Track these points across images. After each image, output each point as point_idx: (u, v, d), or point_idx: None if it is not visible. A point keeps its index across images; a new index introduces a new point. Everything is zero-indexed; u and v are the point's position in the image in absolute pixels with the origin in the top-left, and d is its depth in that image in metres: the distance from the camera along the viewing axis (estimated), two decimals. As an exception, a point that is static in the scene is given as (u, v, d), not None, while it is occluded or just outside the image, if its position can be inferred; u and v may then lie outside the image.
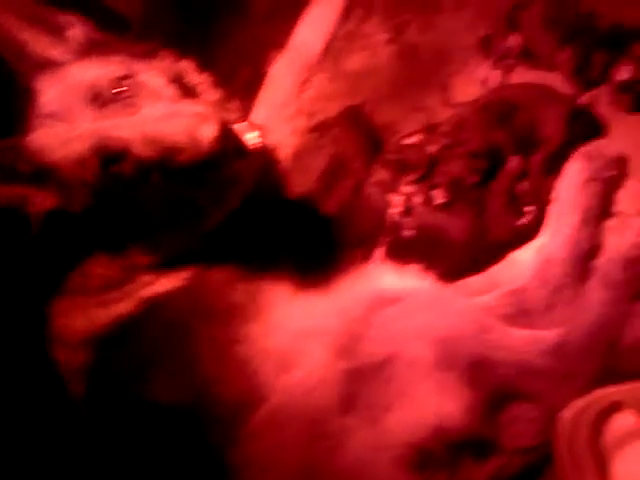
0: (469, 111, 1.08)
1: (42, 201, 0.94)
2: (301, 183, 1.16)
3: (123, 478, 0.96)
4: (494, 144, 1.03)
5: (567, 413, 0.82)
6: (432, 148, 1.08)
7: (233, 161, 0.94)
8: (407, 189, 1.07)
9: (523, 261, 1.02)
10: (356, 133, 1.15)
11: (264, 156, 1.06)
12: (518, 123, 1.02)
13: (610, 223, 0.96)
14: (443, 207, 1.05)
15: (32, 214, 0.96)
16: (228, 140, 0.92)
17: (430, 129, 1.11)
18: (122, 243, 0.98)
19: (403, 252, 1.04)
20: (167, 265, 0.99)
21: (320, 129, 1.23)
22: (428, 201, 1.07)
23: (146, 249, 0.97)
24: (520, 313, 0.95)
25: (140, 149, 0.90)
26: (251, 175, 1.01)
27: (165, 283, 0.98)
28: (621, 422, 0.84)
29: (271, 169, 1.10)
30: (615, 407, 0.83)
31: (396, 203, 1.06)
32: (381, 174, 1.10)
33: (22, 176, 0.94)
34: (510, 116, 1.04)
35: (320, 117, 1.24)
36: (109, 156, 0.91)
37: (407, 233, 1.05)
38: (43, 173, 0.94)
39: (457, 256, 1.04)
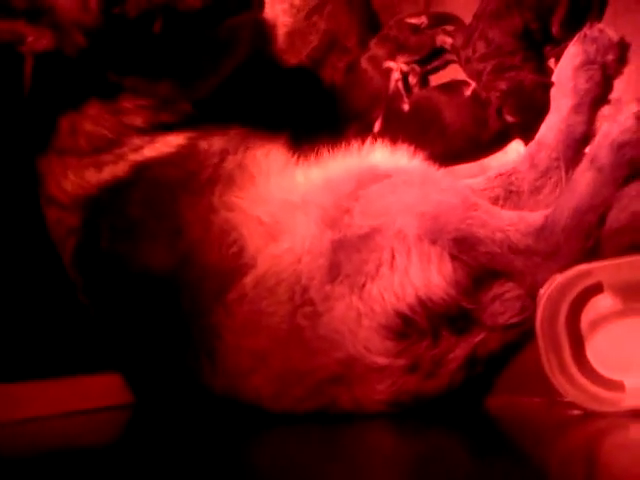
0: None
1: (36, 40, 0.91)
2: (294, 59, 1.14)
3: (108, 338, 0.99)
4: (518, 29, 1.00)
5: (547, 289, 0.83)
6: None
7: (237, 12, 0.91)
8: (404, 67, 1.05)
9: (515, 149, 1.02)
10: (351, 9, 1.13)
11: (260, 24, 1.04)
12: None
13: (605, 110, 0.96)
14: (441, 89, 1.04)
15: (25, 53, 0.94)
16: None
17: (436, 20, 1.08)
18: (114, 90, 0.96)
19: (396, 126, 1.04)
20: (159, 130, 0.98)
21: (315, 7, 1.20)
22: (423, 82, 1.06)
23: (137, 100, 0.96)
24: (508, 195, 0.96)
25: None
26: (248, 38, 0.99)
27: (156, 148, 0.98)
28: (599, 304, 0.85)
29: (266, 42, 1.08)
30: (595, 288, 0.84)
31: (396, 79, 1.05)
32: (377, 50, 1.08)
33: (16, 11, 0.90)
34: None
35: (314, -5, 1.21)
36: None
37: (404, 106, 1.04)
38: (39, 11, 0.90)
39: (450, 141, 1.04)
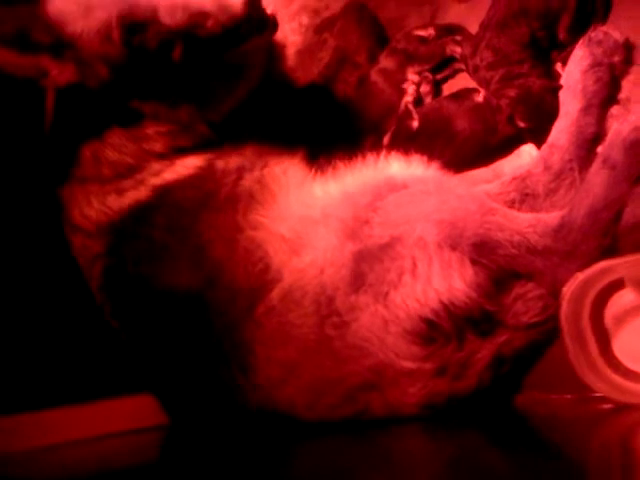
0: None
1: (60, 74, 0.94)
2: (305, 77, 1.17)
3: (140, 360, 1.01)
4: (525, 38, 1.02)
5: (570, 287, 0.85)
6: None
7: (254, 35, 0.93)
8: (414, 78, 1.08)
9: (528, 152, 1.04)
10: (360, 25, 1.15)
11: (272, 46, 1.07)
12: (533, 7, 1.02)
13: (615, 110, 0.98)
14: (451, 98, 1.07)
15: (48, 87, 0.96)
16: (254, 8, 0.91)
17: (443, 31, 1.10)
18: (135, 117, 0.98)
19: (409, 141, 1.06)
20: (178, 153, 1.01)
21: (324, 25, 1.23)
22: (436, 91, 1.09)
23: (158, 127, 0.98)
24: (523, 198, 0.98)
25: (167, 17, 0.89)
26: (262, 60, 1.02)
27: (175, 171, 1.00)
28: (622, 299, 0.87)
29: (277, 63, 1.11)
30: (617, 284, 0.86)
31: (406, 92, 1.07)
32: (386, 63, 1.10)
33: (40, 46, 0.93)
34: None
35: (324, 14, 1.24)
36: (134, 25, 0.90)
37: (413, 123, 1.06)
38: (62, 44, 0.93)
39: (461, 148, 1.06)
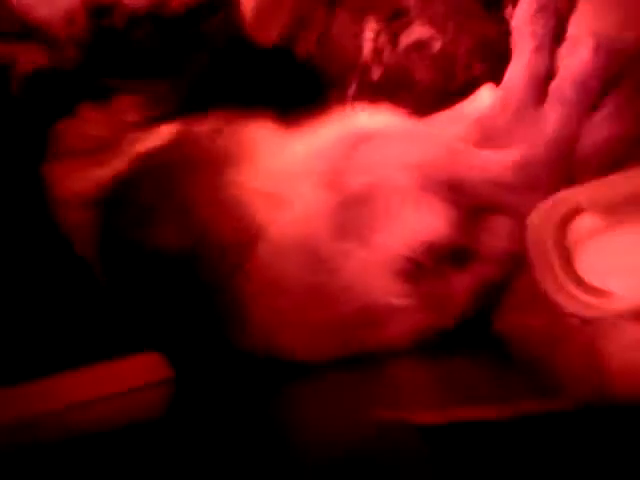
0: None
1: (31, 60, 0.97)
2: (266, 37, 1.20)
3: (141, 321, 1.07)
4: None
5: (534, 216, 0.92)
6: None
7: (218, 11, 0.98)
8: (374, 27, 1.12)
9: (487, 93, 1.10)
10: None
11: (231, 9, 1.10)
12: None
13: (564, 47, 1.04)
14: (411, 48, 1.12)
15: (19, 74, 0.99)
16: None
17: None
18: (106, 92, 1.02)
19: (372, 92, 1.11)
20: (152, 122, 1.05)
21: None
22: (394, 42, 1.14)
23: (130, 99, 1.02)
24: (485, 138, 1.04)
25: None
26: (223, 24, 1.06)
27: (153, 139, 1.04)
28: (582, 223, 0.94)
29: (237, 25, 1.15)
30: (577, 210, 0.93)
31: (365, 44, 1.12)
32: (344, 17, 1.15)
33: (7, 35, 0.96)
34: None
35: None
36: (99, 8, 0.94)
37: (375, 75, 1.12)
38: (29, 31, 0.96)
39: (423, 95, 1.11)
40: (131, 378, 1.08)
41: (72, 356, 1.06)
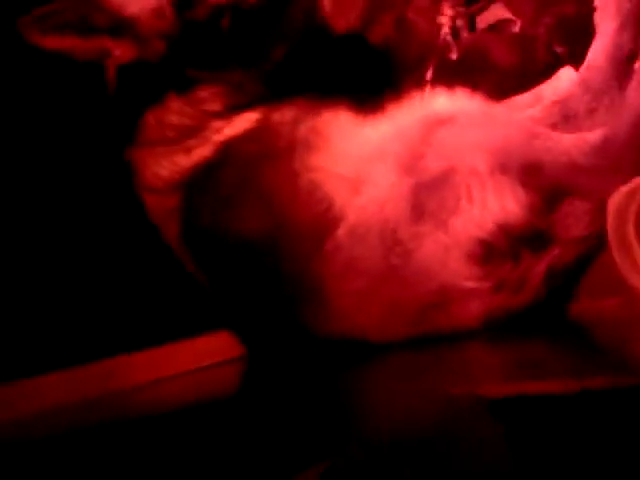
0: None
1: (121, 53, 1.02)
2: (344, 22, 1.22)
3: (220, 302, 1.11)
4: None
5: (615, 199, 0.90)
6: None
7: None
8: (449, 12, 1.12)
9: (566, 75, 1.08)
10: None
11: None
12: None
13: (649, 25, 1.01)
14: (488, 30, 1.11)
15: (111, 67, 1.04)
16: None
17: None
18: (190, 83, 1.06)
19: (450, 75, 1.11)
20: (234, 110, 1.09)
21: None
22: (471, 25, 1.13)
23: (212, 89, 1.06)
24: (565, 120, 1.03)
25: None
26: (301, 13, 1.08)
27: (235, 127, 1.08)
28: (664, 207, 0.92)
29: (315, 12, 1.16)
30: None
31: (443, 26, 1.12)
32: (421, 0, 1.15)
33: (100, 29, 1.01)
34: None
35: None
36: (183, 2, 0.98)
37: (453, 55, 1.12)
38: (120, 25, 1.01)
39: (502, 78, 1.11)
40: (205, 356, 1.12)
41: (149, 334, 1.11)
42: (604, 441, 0.52)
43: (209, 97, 1.07)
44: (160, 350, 1.11)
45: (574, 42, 1.04)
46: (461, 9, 1.14)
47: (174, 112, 1.08)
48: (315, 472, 0.54)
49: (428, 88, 1.06)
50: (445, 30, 1.13)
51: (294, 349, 1.03)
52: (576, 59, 1.04)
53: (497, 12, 1.13)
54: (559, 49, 1.06)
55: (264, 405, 0.87)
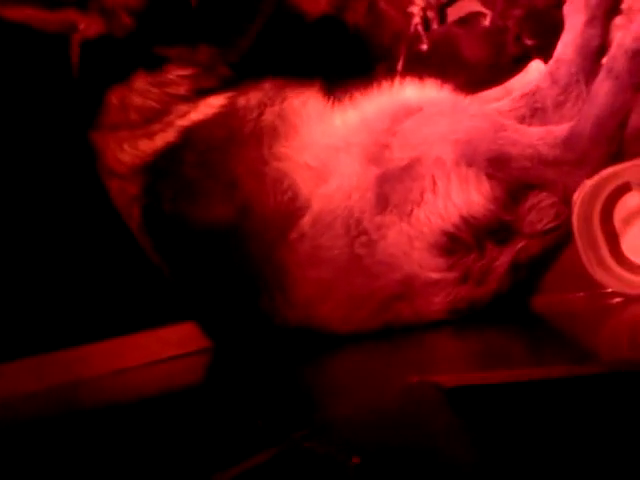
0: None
1: (88, 27, 0.99)
2: (315, 8, 1.20)
3: (182, 291, 1.09)
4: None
5: (580, 193, 0.91)
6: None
7: None
8: (420, 3, 1.11)
9: (535, 67, 1.08)
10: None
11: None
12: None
13: (618, 20, 1.01)
14: (458, 23, 1.11)
15: (76, 42, 1.02)
16: None
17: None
18: (158, 61, 1.04)
19: (420, 66, 1.11)
20: (201, 95, 1.07)
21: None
22: (442, 17, 1.13)
23: (180, 71, 1.04)
24: (533, 112, 1.03)
25: None
26: None
27: (200, 111, 1.06)
28: (629, 202, 0.93)
29: None
30: (624, 188, 0.92)
31: (414, 16, 1.11)
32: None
33: (67, 3, 0.98)
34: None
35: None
36: None
37: (423, 46, 1.11)
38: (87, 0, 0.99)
39: (471, 71, 1.10)
40: (170, 347, 1.11)
41: (113, 324, 1.09)
42: (566, 429, 0.51)
43: (176, 80, 1.05)
44: (124, 340, 1.09)
45: (543, 35, 1.04)
46: (432, 0, 1.13)
47: (139, 93, 1.05)
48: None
49: (398, 78, 1.05)
50: (416, 20, 1.12)
51: (258, 339, 1.02)
52: (545, 52, 1.04)
53: (467, 4, 1.12)
54: (528, 42, 1.05)
55: (227, 396, 0.86)
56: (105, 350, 1.07)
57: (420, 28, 1.12)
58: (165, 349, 1.11)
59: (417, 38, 1.11)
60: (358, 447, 0.57)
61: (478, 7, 1.10)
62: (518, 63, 1.09)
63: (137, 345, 1.10)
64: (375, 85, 1.03)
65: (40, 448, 0.74)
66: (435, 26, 1.13)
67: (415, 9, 1.13)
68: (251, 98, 1.05)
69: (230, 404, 0.80)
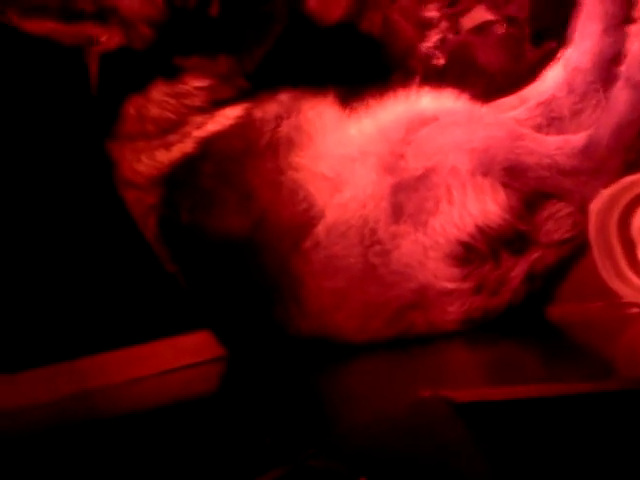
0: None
1: (108, 39, 1.00)
2: (329, 17, 1.20)
3: (198, 301, 1.09)
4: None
5: (597, 203, 0.90)
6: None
7: None
8: (432, 14, 1.11)
9: (551, 76, 1.07)
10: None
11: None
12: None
13: (632, 28, 1.01)
14: (473, 32, 1.10)
15: (95, 55, 1.03)
16: None
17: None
18: (176, 71, 1.04)
19: (438, 78, 1.10)
20: (217, 106, 1.07)
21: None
22: (456, 27, 1.12)
23: (197, 82, 1.04)
24: (550, 122, 1.02)
25: None
26: (284, 3, 1.07)
27: (217, 122, 1.06)
28: (647, 211, 0.92)
29: (300, 4, 1.15)
30: (641, 197, 0.91)
31: (428, 30, 1.11)
32: (405, 2, 1.14)
33: (85, 15, 0.99)
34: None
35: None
36: None
37: (438, 61, 1.11)
38: (106, 11, 0.99)
39: (490, 80, 1.10)
40: (184, 355, 1.11)
41: (128, 332, 1.09)
42: (581, 448, 0.51)
43: (192, 91, 1.05)
44: (139, 348, 1.09)
45: (555, 18, 1.03)
46: (446, 10, 1.13)
47: (155, 104, 1.06)
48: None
49: (414, 87, 1.05)
50: (430, 33, 1.12)
51: (272, 349, 1.02)
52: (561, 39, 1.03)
53: (480, 13, 1.12)
54: (546, 46, 1.04)
55: (243, 405, 0.86)
56: (120, 359, 1.07)
57: (436, 38, 1.11)
58: (180, 357, 1.11)
59: (432, 53, 1.11)
60: (369, 459, 0.56)
61: (492, 15, 1.09)
62: (535, 71, 1.08)
63: (152, 353, 1.10)
64: (391, 94, 1.03)
65: (55, 458, 0.75)
66: (450, 36, 1.13)
67: (429, 23, 1.12)
68: (268, 110, 1.05)
69: (242, 416, 0.80)
